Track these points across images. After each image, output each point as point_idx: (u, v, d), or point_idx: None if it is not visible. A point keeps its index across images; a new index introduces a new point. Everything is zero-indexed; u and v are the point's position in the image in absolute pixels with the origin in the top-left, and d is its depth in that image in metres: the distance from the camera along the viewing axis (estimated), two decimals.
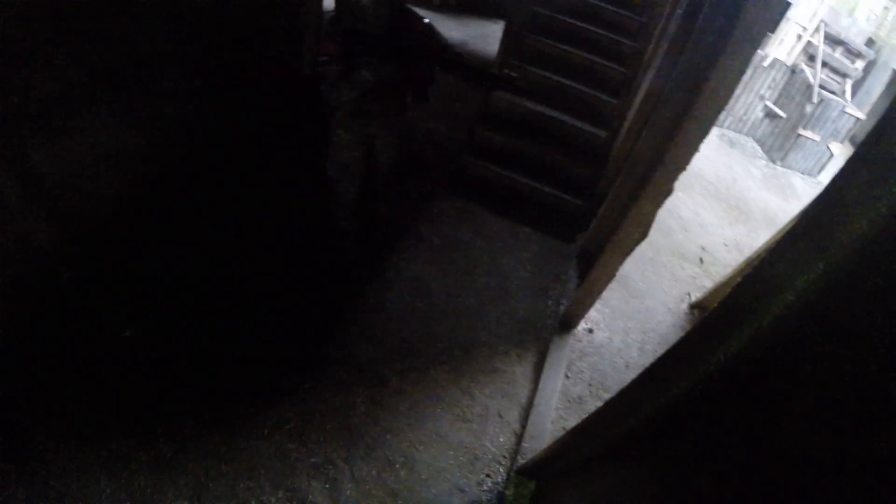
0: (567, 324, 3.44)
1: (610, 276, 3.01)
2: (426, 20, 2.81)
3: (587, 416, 2.19)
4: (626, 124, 4.06)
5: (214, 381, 2.64)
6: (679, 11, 3.31)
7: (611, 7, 4.72)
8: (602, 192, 4.04)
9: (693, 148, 2.43)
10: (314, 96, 4.48)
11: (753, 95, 8.87)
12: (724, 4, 2.38)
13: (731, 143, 8.67)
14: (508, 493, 2.60)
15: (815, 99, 8.04)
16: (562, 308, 3.57)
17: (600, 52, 4.58)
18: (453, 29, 6.27)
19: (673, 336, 3.90)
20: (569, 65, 4.49)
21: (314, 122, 4.04)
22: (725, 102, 2.32)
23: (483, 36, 6.20)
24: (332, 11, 2.78)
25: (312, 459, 2.49)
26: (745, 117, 9.07)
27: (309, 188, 3.35)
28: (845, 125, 8.46)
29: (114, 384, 2.50)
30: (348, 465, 2.50)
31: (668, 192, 2.58)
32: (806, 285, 1.04)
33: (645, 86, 3.66)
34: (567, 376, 3.26)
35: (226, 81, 2.78)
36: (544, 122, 4.33)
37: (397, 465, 2.57)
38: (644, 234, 2.73)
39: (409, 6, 2.80)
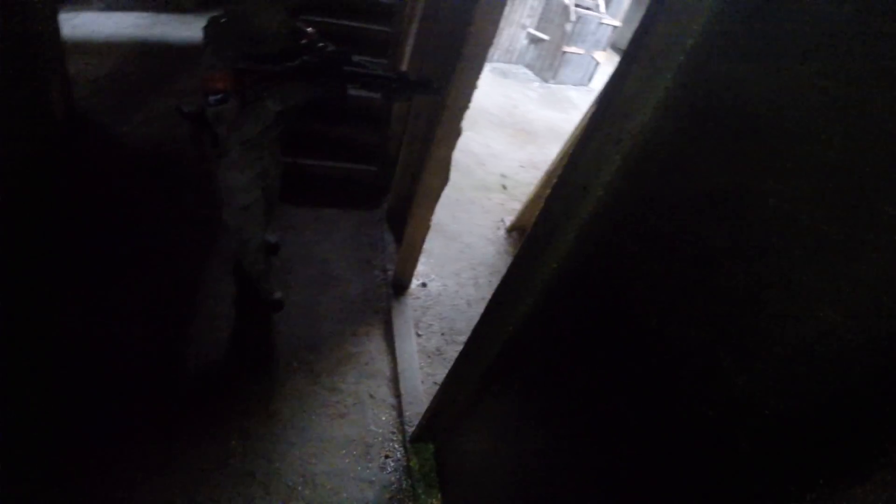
0: (400, 286, 3.49)
1: (425, 229, 3.09)
2: (310, 29, 2.42)
3: (452, 364, 2.28)
4: None
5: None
6: None
7: None
8: (393, 154, 4.08)
9: (470, 86, 2.53)
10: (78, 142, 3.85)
11: (516, 26, 9.46)
12: None
13: (504, 74, 9.27)
14: (412, 464, 2.62)
15: (573, 17, 8.85)
16: (389, 273, 3.61)
17: (361, 15, 4.51)
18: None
19: (500, 263, 4.19)
20: (332, 37, 4.37)
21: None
22: (492, 37, 2.44)
23: None
24: (208, 40, 2.22)
25: None
26: (511, 48, 9.67)
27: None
28: (604, 34, 9.42)
29: None
30: None
31: (457, 132, 2.68)
32: (609, 177, 1.17)
33: (411, 41, 3.68)
34: (419, 334, 3.34)
35: None
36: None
37: (300, 488, 2.44)
38: (446, 179, 2.83)
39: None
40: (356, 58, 2.38)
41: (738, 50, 0.96)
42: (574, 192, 1.29)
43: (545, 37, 9.36)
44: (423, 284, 3.72)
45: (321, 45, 2.34)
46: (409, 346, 3.16)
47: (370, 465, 2.62)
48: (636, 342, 1.20)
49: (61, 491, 2.18)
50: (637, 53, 1.08)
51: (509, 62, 9.82)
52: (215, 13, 2.27)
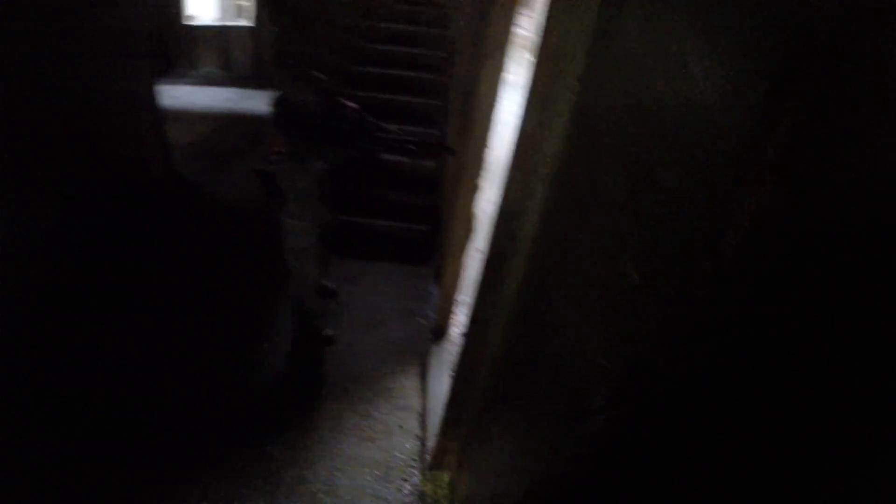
0: (439, 333, 3.81)
1: (456, 279, 3.45)
2: (353, 105, 3.03)
3: (450, 389, 2.54)
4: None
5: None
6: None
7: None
8: (443, 215, 4.56)
9: (481, 145, 2.94)
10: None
11: None
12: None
13: None
14: (427, 489, 2.86)
15: None
16: (432, 322, 3.95)
17: (412, 89, 5.21)
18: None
19: None
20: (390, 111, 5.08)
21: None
22: (494, 101, 2.85)
23: None
24: (273, 114, 2.80)
25: None
26: None
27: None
28: None
29: None
30: None
31: (474, 188, 3.09)
32: (541, 203, 1.50)
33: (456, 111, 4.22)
34: (452, 377, 3.62)
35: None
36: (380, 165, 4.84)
37: (321, 494, 2.75)
38: (469, 230, 3.21)
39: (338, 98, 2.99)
40: (391, 126, 2.91)
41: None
42: (513, 220, 1.63)
43: None
44: (463, 334, 4.01)
45: (357, 116, 2.88)
46: (441, 386, 3.44)
47: (388, 485, 2.88)
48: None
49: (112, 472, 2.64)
50: (532, 100, 1.43)
51: None
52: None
